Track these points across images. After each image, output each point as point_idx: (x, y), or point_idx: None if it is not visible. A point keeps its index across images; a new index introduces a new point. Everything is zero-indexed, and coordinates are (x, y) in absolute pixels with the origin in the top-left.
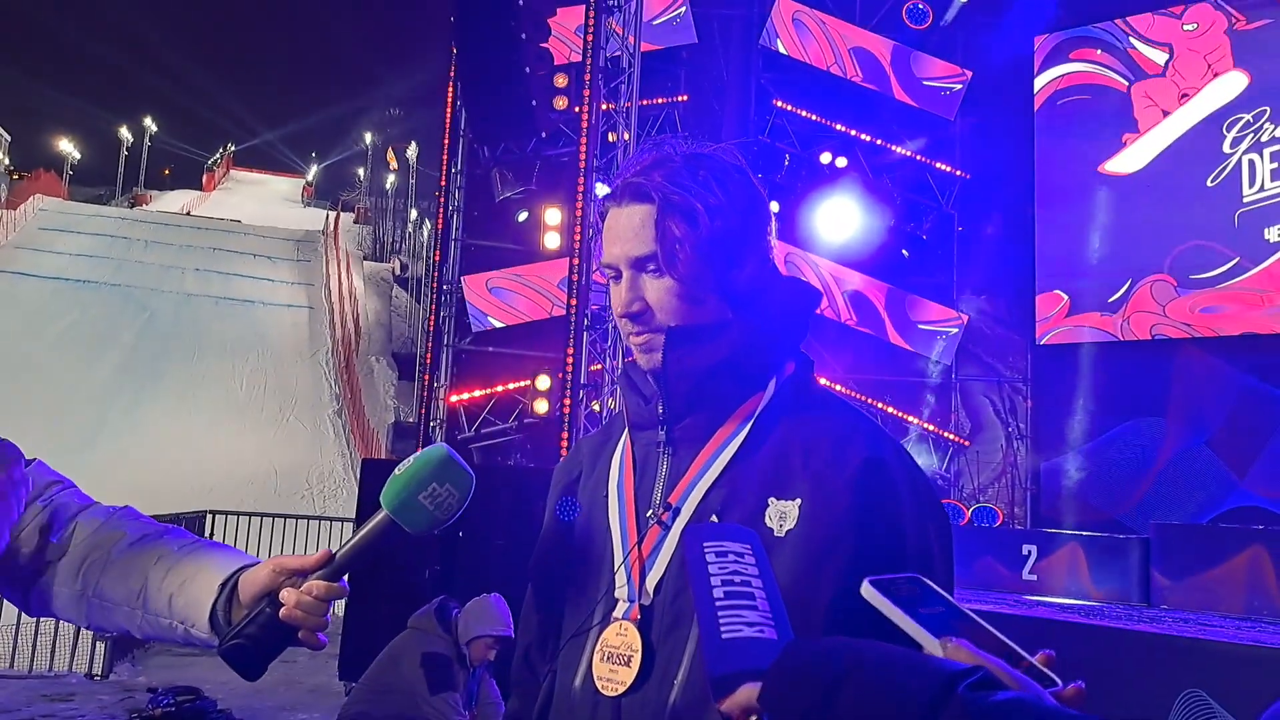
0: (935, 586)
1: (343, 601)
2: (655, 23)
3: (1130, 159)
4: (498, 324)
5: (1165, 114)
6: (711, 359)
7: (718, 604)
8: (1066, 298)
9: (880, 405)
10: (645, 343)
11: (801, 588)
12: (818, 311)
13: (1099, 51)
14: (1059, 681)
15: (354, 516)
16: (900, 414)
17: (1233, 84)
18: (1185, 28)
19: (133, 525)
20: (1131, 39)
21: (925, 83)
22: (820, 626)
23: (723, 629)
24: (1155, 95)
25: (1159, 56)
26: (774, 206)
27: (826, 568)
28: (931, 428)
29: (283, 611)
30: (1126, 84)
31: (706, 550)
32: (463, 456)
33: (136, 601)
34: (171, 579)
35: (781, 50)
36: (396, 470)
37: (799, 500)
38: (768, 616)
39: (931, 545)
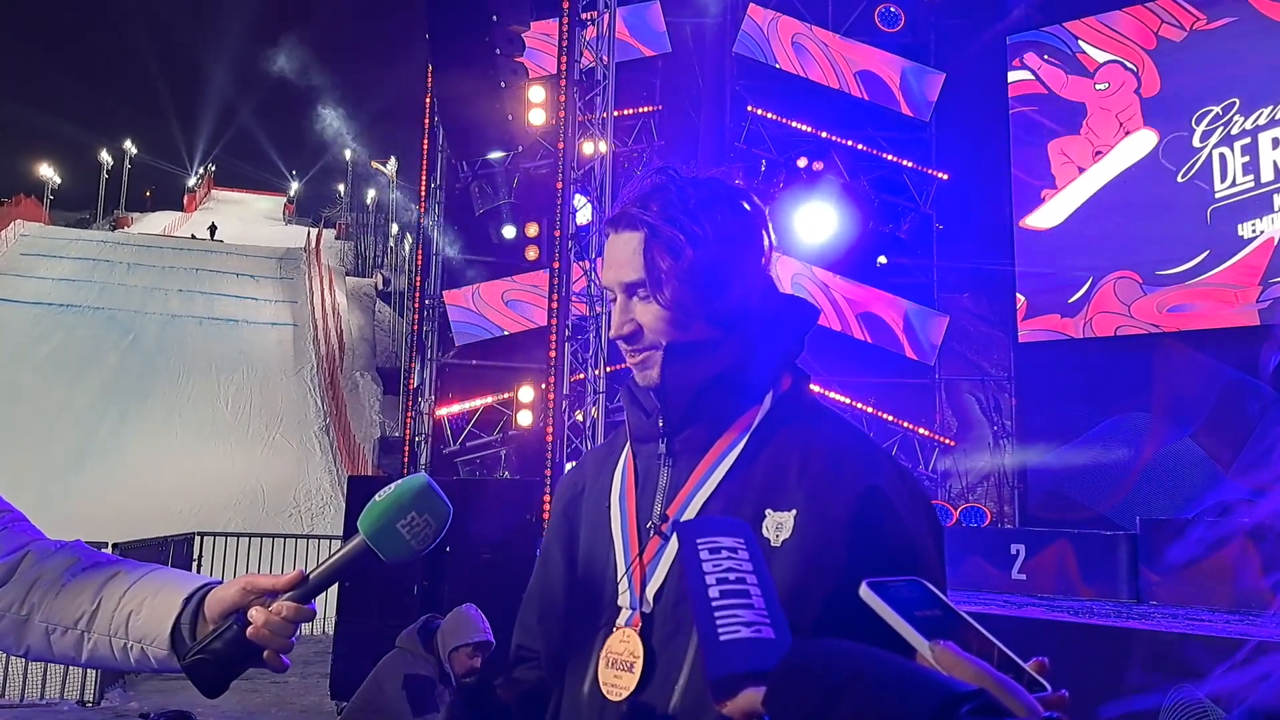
0: (934, 589)
1: (332, 620)
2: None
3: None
4: (506, 332)
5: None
6: (708, 373)
7: (713, 604)
8: (1024, 299)
9: (864, 408)
10: (640, 361)
11: (797, 597)
12: (834, 330)
13: (1045, 57)
14: (1048, 687)
15: (341, 534)
16: (885, 415)
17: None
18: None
19: (85, 552)
20: (1081, 42)
21: (932, 101)
22: (814, 636)
23: (720, 630)
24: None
25: (1105, 59)
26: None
27: (821, 577)
28: (922, 430)
29: (250, 630)
30: (1074, 90)
31: (700, 547)
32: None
33: (87, 623)
34: (131, 597)
35: (778, 67)
36: (376, 497)
37: (794, 511)
38: (763, 614)
39: (928, 556)
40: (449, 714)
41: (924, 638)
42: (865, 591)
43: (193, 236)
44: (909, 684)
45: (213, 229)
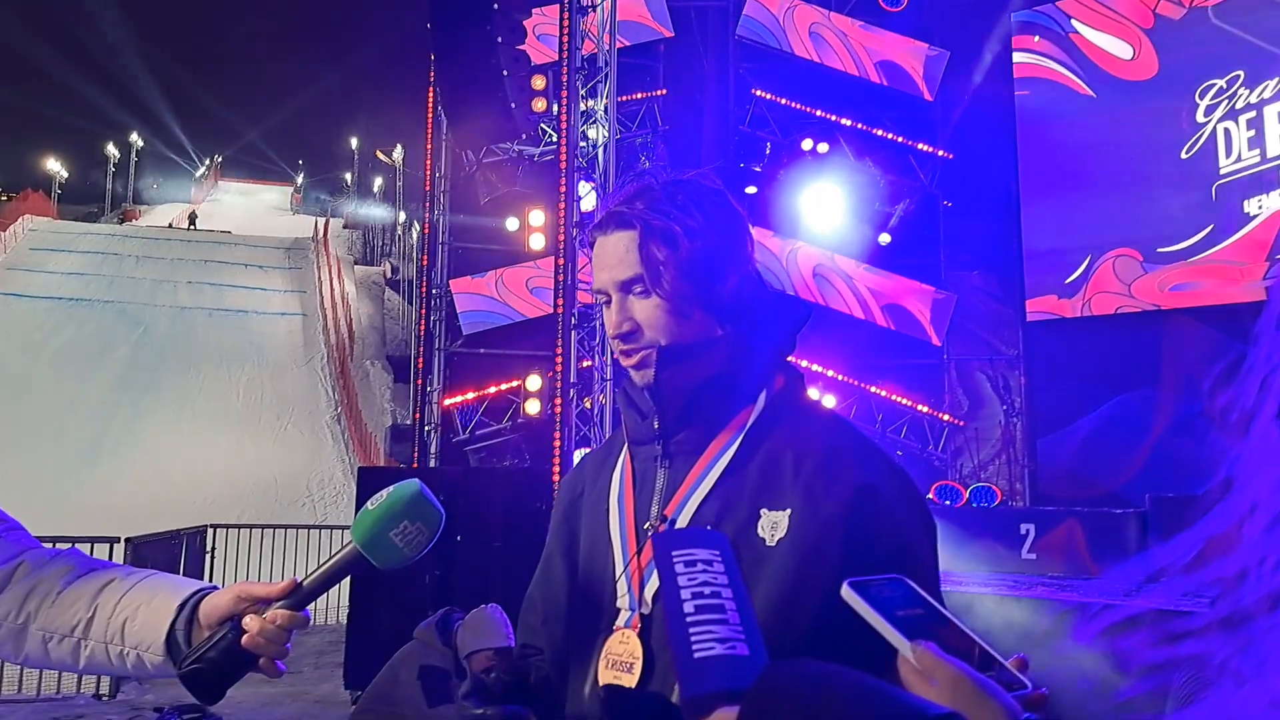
0: (916, 588)
1: (345, 610)
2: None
3: None
4: (526, 318)
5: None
6: (702, 374)
7: (688, 619)
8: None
9: (874, 389)
10: (638, 361)
11: (791, 595)
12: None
13: (1036, 39)
14: (1028, 684)
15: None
16: (895, 396)
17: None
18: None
19: (81, 560)
20: (1074, 21)
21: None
22: (809, 634)
23: (694, 648)
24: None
25: (1101, 39)
26: (753, 219)
27: (816, 576)
28: (925, 409)
29: (245, 638)
30: (1068, 73)
31: (675, 560)
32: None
33: (84, 630)
34: (126, 604)
35: (797, 54)
36: (369, 504)
37: (789, 510)
38: (738, 630)
39: (922, 553)
40: (470, 694)
41: (905, 638)
42: (846, 591)
43: (170, 225)
44: (883, 707)
45: (193, 217)
